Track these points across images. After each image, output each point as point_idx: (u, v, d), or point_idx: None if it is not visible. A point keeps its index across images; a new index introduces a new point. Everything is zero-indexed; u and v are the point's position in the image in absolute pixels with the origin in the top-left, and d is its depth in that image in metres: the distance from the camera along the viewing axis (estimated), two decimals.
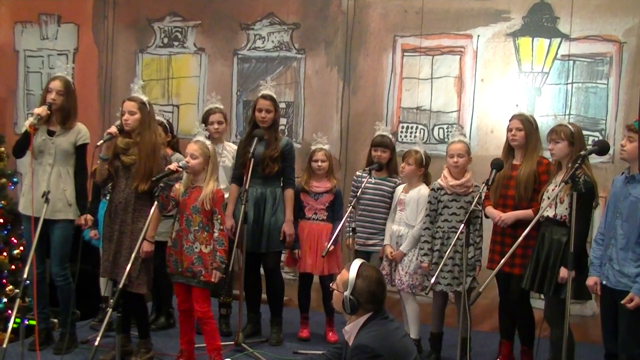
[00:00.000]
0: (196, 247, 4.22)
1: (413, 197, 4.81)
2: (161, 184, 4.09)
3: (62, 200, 4.58)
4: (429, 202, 4.70)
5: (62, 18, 7.18)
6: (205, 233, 4.23)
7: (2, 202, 5.75)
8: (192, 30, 6.75)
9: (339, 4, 6.26)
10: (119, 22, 7.00)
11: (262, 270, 5.20)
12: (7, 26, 7.35)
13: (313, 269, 5.09)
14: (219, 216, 4.24)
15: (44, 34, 7.24)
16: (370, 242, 4.99)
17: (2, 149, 5.90)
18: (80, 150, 4.64)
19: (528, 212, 4.37)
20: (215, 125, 5.13)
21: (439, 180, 4.72)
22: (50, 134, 4.57)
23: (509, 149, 4.61)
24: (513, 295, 4.52)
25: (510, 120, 4.60)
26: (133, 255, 3.97)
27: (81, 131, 4.66)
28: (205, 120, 5.14)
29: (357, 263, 3.17)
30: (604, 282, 3.79)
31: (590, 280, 3.89)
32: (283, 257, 5.31)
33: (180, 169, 4.19)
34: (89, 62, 7.07)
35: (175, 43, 6.81)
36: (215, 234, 4.24)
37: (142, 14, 6.92)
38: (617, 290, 3.69)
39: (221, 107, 5.27)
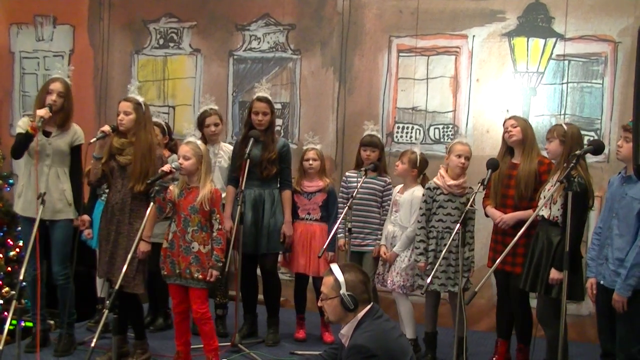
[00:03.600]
0: (193, 247, 4.22)
1: (407, 199, 4.82)
2: (156, 187, 4.08)
3: (62, 201, 4.59)
4: (424, 201, 4.69)
5: (58, 19, 7.16)
6: (204, 233, 4.23)
7: None
8: (188, 31, 6.75)
9: (334, 4, 6.26)
10: (115, 23, 6.99)
11: (258, 271, 5.19)
12: (2, 27, 7.33)
13: (306, 269, 5.09)
14: (218, 216, 4.24)
15: (39, 36, 7.23)
16: (364, 242, 4.99)
17: None
18: (75, 151, 4.66)
19: (529, 213, 4.28)
20: (212, 128, 5.12)
21: (435, 180, 4.71)
22: (46, 134, 4.56)
23: (507, 149, 4.60)
24: (513, 293, 4.51)
25: (504, 123, 4.61)
26: (129, 255, 3.97)
27: (77, 132, 4.67)
28: (201, 122, 5.13)
29: (333, 266, 3.23)
30: (601, 282, 3.79)
31: (588, 282, 3.90)
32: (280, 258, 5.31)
33: (174, 170, 4.19)
34: (84, 63, 7.06)
35: (171, 44, 6.81)
36: (214, 234, 4.24)
37: (138, 15, 6.91)
38: (612, 290, 3.69)
39: (216, 108, 5.23)
